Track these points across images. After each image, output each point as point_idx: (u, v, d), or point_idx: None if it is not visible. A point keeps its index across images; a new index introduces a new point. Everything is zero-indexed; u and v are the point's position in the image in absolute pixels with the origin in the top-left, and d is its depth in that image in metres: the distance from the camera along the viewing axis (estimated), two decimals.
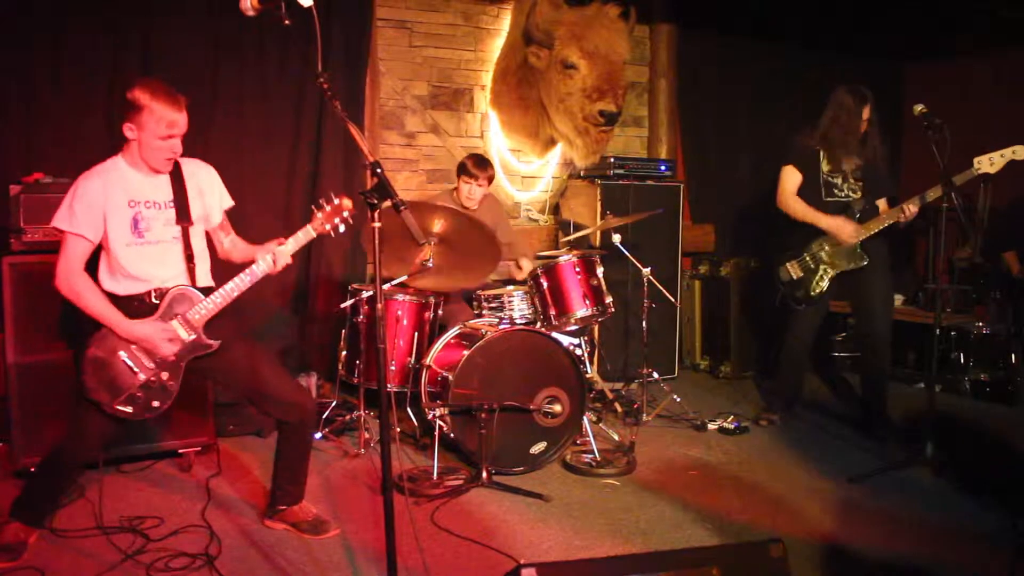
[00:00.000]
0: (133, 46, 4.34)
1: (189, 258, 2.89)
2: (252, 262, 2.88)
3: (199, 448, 3.79)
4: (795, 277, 4.34)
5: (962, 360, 5.34)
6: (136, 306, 2.80)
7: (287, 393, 3.01)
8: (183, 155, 2.88)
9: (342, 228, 2.83)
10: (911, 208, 3.97)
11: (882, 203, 4.29)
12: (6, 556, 2.77)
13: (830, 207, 4.26)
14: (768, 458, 4.06)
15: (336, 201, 2.81)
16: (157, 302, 2.82)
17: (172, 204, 2.86)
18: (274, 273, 2.89)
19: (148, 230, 2.81)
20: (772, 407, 4.73)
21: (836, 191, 4.30)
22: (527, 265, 4.59)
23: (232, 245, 3.09)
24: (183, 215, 2.88)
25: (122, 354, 2.77)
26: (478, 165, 4.49)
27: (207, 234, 3.03)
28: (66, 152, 4.12)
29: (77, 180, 2.76)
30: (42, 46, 4.14)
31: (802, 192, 4.32)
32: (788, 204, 4.34)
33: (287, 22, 2.32)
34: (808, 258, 4.32)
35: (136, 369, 2.78)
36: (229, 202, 3.08)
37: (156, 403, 2.83)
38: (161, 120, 2.71)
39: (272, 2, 2.35)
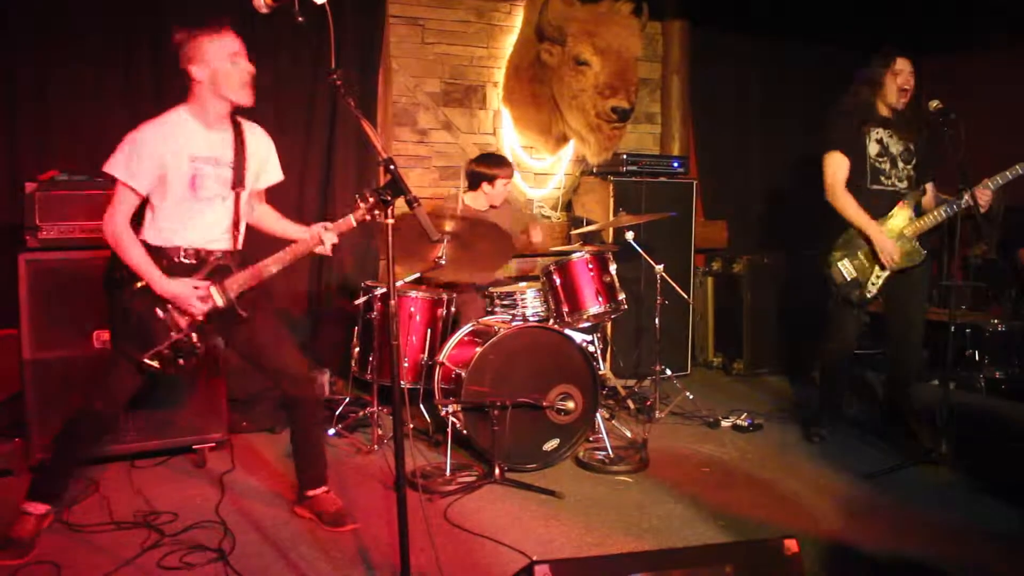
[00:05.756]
0: (144, 43, 4.37)
1: (236, 224, 2.90)
2: (285, 237, 2.92)
3: (213, 444, 3.81)
4: (849, 278, 4.00)
5: (977, 357, 5.30)
6: (164, 264, 2.78)
7: (300, 369, 3.10)
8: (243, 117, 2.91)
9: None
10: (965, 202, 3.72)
11: (930, 188, 4.03)
12: (15, 552, 2.76)
13: (875, 196, 3.93)
14: (782, 455, 4.04)
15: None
16: (187, 261, 2.82)
17: (231, 165, 2.86)
18: (318, 251, 2.91)
19: (202, 187, 2.81)
20: (821, 421, 4.33)
21: (883, 178, 3.95)
22: (536, 234, 4.68)
23: (262, 215, 3.12)
24: (239, 180, 2.88)
25: (158, 311, 2.78)
26: (504, 164, 4.60)
27: None
28: (80, 150, 4.15)
29: (136, 129, 2.73)
30: (55, 44, 4.17)
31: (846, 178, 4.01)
32: (837, 199, 3.95)
33: (300, 19, 2.32)
34: (862, 255, 3.96)
35: (169, 327, 2.80)
36: (280, 176, 3.09)
37: (182, 361, 2.85)
38: (216, 41, 2.73)
39: None
